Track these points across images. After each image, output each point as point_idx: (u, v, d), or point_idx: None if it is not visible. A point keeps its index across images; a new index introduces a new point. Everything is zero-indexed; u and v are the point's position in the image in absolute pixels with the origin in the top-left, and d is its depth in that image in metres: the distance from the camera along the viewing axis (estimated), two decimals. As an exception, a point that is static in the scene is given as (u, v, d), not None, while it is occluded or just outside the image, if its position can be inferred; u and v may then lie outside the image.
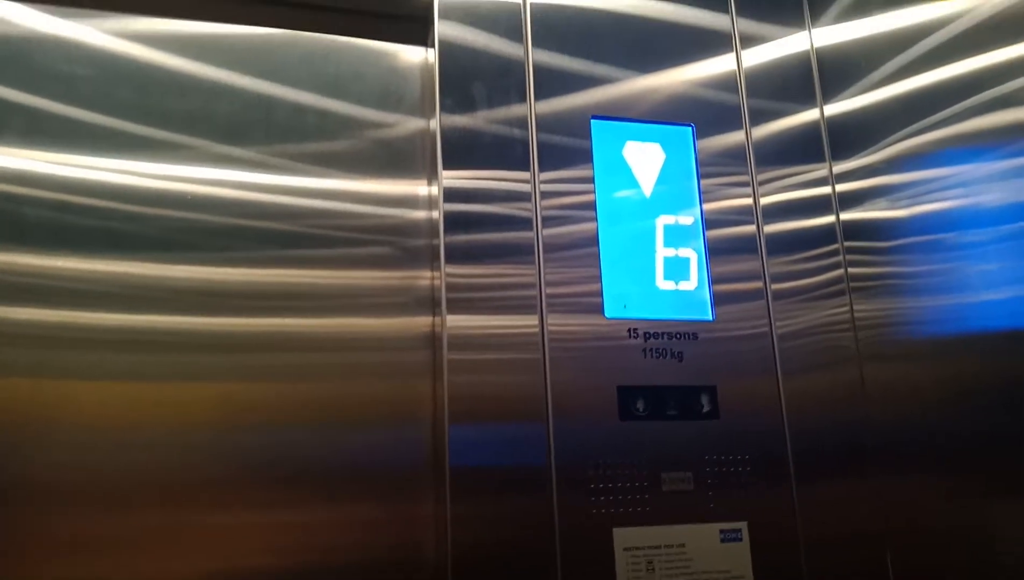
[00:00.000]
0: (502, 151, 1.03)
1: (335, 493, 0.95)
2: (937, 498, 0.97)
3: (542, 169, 1.04)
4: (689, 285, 1.05)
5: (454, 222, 0.99)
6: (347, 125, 1.10)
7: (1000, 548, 0.87)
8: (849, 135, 1.13)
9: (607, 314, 1.00)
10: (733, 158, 1.12)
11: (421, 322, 1.04)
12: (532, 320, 0.98)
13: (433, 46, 1.07)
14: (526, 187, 1.03)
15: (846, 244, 1.12)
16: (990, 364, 0.88)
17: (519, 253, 1.00)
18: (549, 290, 0.99)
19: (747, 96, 1.15)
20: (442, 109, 1.03)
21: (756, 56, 1.18)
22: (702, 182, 1.10)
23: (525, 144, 1.05)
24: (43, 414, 0.89)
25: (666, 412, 0.98)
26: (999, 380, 0.87)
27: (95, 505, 0.88)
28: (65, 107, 1.00)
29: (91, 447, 0.90)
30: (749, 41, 1.18)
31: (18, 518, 0.86)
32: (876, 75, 1.07)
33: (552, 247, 1.01)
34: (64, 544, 0.87)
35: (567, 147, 1.06)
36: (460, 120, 1.03)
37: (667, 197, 1.08)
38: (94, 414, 0.91)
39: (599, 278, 1.02)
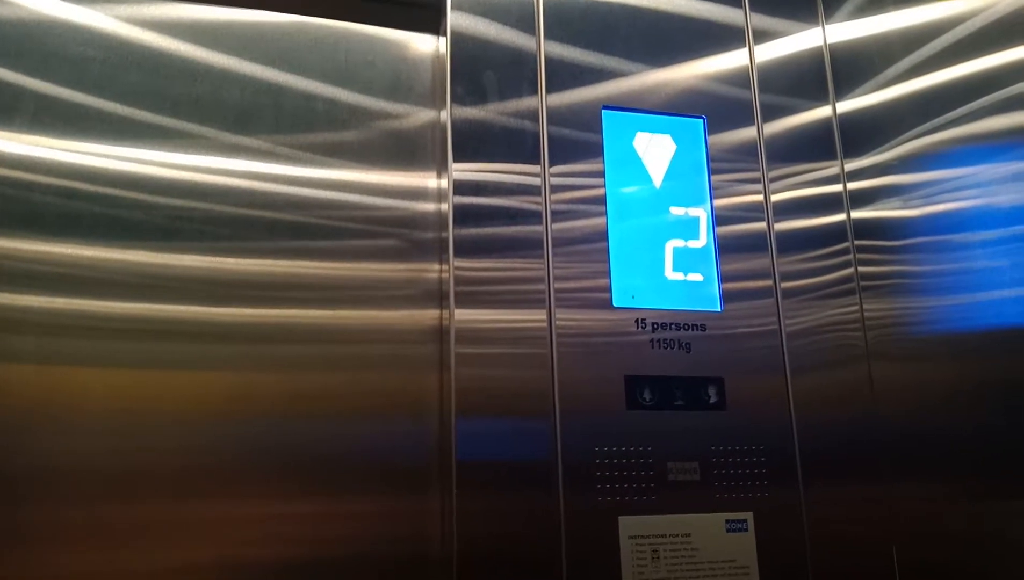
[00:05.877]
0: (512, 144, 1.03)
1: (341, 484, 0.95)
2: (945, 498, 0.97)
3: (552, 162, 1.04)
4: (698, 276, 1.05)
5: (463, 215, 0.99)
6: (357, 114, 1.09)
7: (1009, 550, 0.88)
8: (861, 133, 1.12)
9: (615, 304, 1.00)
10: (744, 154, 1.12)
11: (429, 315, 1.04)
12: (540, 314, 0.98)
13: (445, 35, 1.06)
14: (536, 180, 1.02)
15: (857, 242, 1.11)
16: (1000, 364, 0.89)
17: (528, 247, 1.00)
18: (558, 284, 0.99)
19: (759, 91, 1.14)
20: (453, 100, 1.02)
21: (769, 51, 1.17)
22: (713, 178, 1.09)
23: (536, 137, 1.04)
24: (49, 401, 0.89)
25: (673, 402, 0.98)
26: (1009, 380, 0.87)
27: (101, 492, 0.88)
28: (75, 93, 0.99)
29: (97, 434, 0.90)
30: (762, 36, 1.17)
31: (25, 505, 0.86)
32: (890, 72, 1.07)
33: (561, 241, 1.01)
34: (70, 531, 0.87)
35: (578, 140, 1.05)
36: (471, 112, 1.03)
37: (677, 189, 1.08)
38: (101, 402, 0.91)
39: (608, 273, 1.01)
